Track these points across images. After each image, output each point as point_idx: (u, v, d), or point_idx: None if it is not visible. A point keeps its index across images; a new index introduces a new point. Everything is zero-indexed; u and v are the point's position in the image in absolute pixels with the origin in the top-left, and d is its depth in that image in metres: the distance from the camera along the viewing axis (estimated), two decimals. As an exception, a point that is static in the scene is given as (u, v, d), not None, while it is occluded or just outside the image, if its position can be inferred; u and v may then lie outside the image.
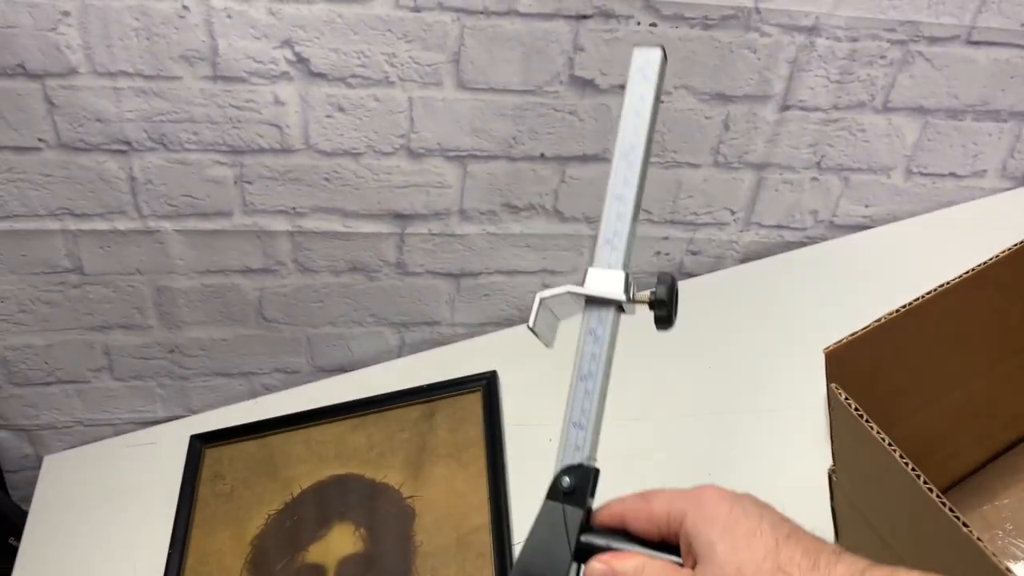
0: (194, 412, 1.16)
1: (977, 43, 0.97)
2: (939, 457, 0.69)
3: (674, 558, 0.47)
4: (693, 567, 0.45)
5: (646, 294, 0.54)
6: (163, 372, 1.13)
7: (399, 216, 1.02)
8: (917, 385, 0.61)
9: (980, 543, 0.45)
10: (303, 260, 1.04)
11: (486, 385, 1.06)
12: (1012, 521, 0.67)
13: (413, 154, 0.97)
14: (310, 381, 1.15)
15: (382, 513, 0.99)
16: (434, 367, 1.10)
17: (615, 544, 0.48)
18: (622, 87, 0.55)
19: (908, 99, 1.00)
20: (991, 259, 0.60)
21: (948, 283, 0.59)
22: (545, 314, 0.56)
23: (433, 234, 1.05)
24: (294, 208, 1.00)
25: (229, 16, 0.86)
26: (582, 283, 0.54)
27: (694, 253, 1.13)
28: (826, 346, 0.57)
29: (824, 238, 1.13)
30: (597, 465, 0.52)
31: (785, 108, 0.99)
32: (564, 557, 0.48)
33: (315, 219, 1.01)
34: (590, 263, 0.54)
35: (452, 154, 0.98)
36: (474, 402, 1.06)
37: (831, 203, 1.10)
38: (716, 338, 1.06)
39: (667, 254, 1.12)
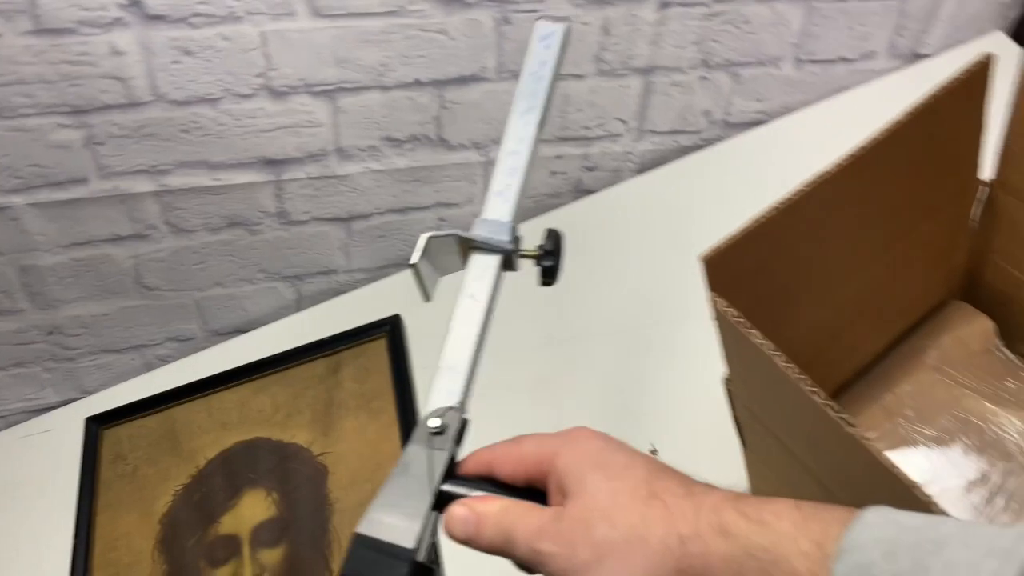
0: (88, 393, 1.10)
1: (853, -82, 0.93)
2: (835, 353, 0.67)
3: (540, 502, 0.45)
4: (563, 503, 0.44)
5: (533, 248, 0.54)
6: (46, 355, 1.06)
7: (271, 162, 0.96)
8: (806, 282, 0.59)
9: (867, 442, 0.43)
10: (175, 221, 0.98)
11: (390, 331, 1.02)
12: (913, 408, 0.66)
13: (275, 93, 0.90)
14: (206, 347, 1.09)
15: (293, 475, 0.95)
16: (336, 318, 1.05)
17: (479, 491, 0.46)
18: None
19: (789, -16, 0.96)
20: (866, 143, 0.57)
21: (825, 173, 0.56)
22: (428, 261, 0.54)
23: (312, 178, 0.98)
24: (155, 166, 0.92)
25: (45, -40, 0.78)
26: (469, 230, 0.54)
27: (590, 169, 1.09)
28: (702, 252, 0.54)
29: (720, 138, 1.10)
30: (468, 416, 0.49)
31: (664, 6, 0.94)
32: (422, 505, 0.45)
33: (180, 175, 0.94)
34: (483, 212, 0.53)
35: (318, 89, 0.91)
36: (379, 350, 1.01)
37: (723, 101, 1.06)
38: (619, 253, 1.03)
39: (563, 173, 1.08)
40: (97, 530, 0.96)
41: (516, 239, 0.54)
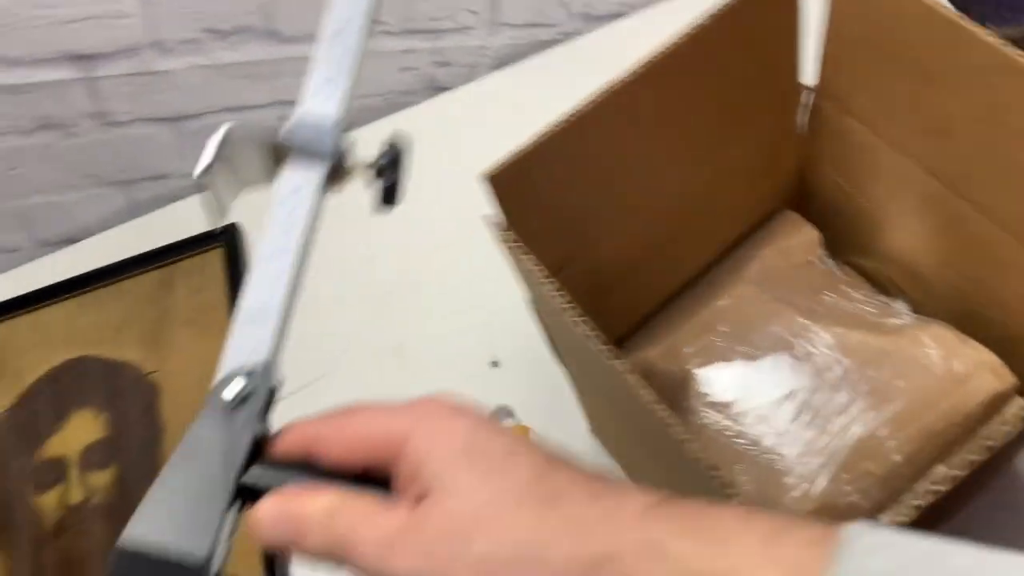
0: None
1: None
2: (658, 265, 0.65)
3: (383, 493, 0.33)
4: (418, 502, 0.32)
5: (368, 158, 0.42)
6: None
7: (80, 57, 0.87)
8: (610, 198, 0.55)
9: (638, 387, 0.41)
10: (-24, 123, 0.88)
11: (227, 240, 0.96)
12: (729, 323, 0.64)
13: (73, -21, 0.81)
14: (34, 258, 1.02)
15: (123, 394, 0.90)
16: (171, 226, 0.99)
17: (296, 479, 0.34)
18: None
19: None
20: (665, 48, 0.52)
21: (620, 80, 0.52)
22: (225, 168, 0.40)
23: (130, 75, 0.90)
24: (-59, 62, 0.83)
25: None
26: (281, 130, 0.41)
27: (443, 64, 1.02)
28: (484, 169, 0.49)
29: (580, 32, 1.04)
30: (278, 380, 0.37)
31: None
32: (216, 502, 0.33)
33: (-27, 72, 0.84)
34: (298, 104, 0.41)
35: (123, -25, 0.82)
36: (215, 260, 0.96)
37: (582, -8, 1.00)
38: (475, 155, 0.98)
39: (414, 68, 1.01)
40: (-87, 457, 0.91)
41: (343, 148, 0.42)
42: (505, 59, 1.04)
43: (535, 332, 0.85)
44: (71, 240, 1.03)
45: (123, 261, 0.97)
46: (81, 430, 0.89)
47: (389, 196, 0.43)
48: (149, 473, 0.84)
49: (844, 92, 0.59)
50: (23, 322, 0.96)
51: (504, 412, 0.80)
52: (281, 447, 0.35)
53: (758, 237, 0.69)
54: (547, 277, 0.45)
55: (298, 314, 0.40)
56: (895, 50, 0.51)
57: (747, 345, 0.63)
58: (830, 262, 0.68)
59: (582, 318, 0.43)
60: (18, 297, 0.97)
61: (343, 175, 0.42)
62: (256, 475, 0.34)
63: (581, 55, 1.03)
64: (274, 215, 0.40)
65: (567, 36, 1.04)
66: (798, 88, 0.62)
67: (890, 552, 0.27)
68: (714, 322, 0.65)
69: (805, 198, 0.70)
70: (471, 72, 1.04)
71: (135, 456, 0.86)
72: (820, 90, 0.61)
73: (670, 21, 1.06)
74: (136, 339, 0.93)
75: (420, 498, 0.32)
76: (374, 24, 0.52)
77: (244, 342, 0.37)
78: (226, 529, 0.33)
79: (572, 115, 0.50)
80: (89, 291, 0.96)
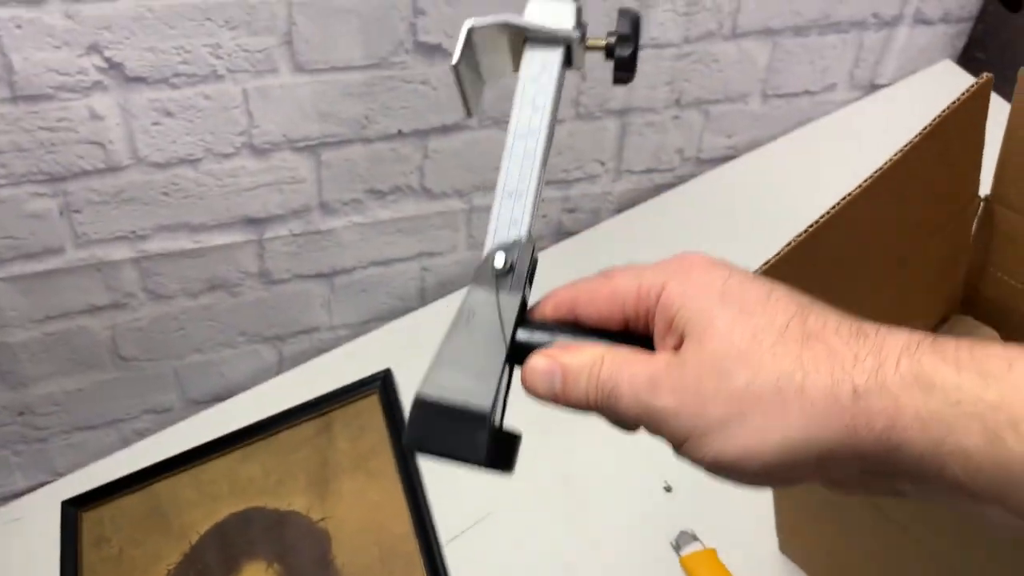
0: (60, 475, 1.04)
1: (811, -42, 0.97)
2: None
3: (644, 347, 0.35)
4: (677, 348, 0.34)
5: (602, 38, 0.44)
6: (15, 438, 1.01)
7: (253, 221, 0.94)
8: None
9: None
10: (154, 287, 0.94)
11: (381, 386, 1.00)
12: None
13: (257, 151, 0.89)
14: (185, 417, 1.05)
15: (293, 543, 0.91)
16: (321, 377, 1.02)
17: (562, 337, 0.37)
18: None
19: (755, 22, 0.99)
20: (880, 168, 0.58)
21: (842, 200, 0.57)
22: (471, 63, 0.44)
23: (295, 235, 0.96)
24: (134, 232, 0.89)
25: (18, 26, 0.75)
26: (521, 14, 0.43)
27: (571, 211, 1.09)
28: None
29: (693, 175, 1.12)
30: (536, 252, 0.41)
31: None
32: (495, 359, 0.37)
33: (160, 240, 0.91)
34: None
35: (301, 144, 0.90)
36: (372, 406, 0.99)
37: (695, 139, 1.08)
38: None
39: (544, 215, 1.08)
40: (84, 621, 0.91)
41: (583, 25, 0.44)
42: (625, 203, 1.11)
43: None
44: (219, 398, 1.06)
45: (279, 413, 1.00)
46: (254, 582, 0.89)
47: (625, 69, 0.45)
48: (328, 621, 0.84)
49: (1016, 197, 0.65)
50: (184, 479, 0.98)
51: (687, 536, 0.81)
52: (545, 310, 0.38)
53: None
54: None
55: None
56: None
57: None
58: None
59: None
60: (178, 455, 0.99)
61: (580, 55, 0.44)
62: (526, 335, 0.38)
63: (693, 196, 1.11)
64: (524, 94, 0.43)
65: (681, 180, 1.11)
66: (977, 200, 0.67)
67: None
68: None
69: (973, 302, 0.74)
70: (594, 217, 1.11)
71: (312, 605, 0.86)
72: (993, 197, 0.67)
73: (773, 161, 1.16)
74: (300, 488, 0.94)
75: (677, 346, 0.34)
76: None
77: (505, 217, 0.41)
78: (504, 383, 0.37)
79: (802, 233, 0.55)
80: (247, 444, 0.99)
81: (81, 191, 0.84)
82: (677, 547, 0.81)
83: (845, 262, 0.61)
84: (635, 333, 0.36)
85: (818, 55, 1.05)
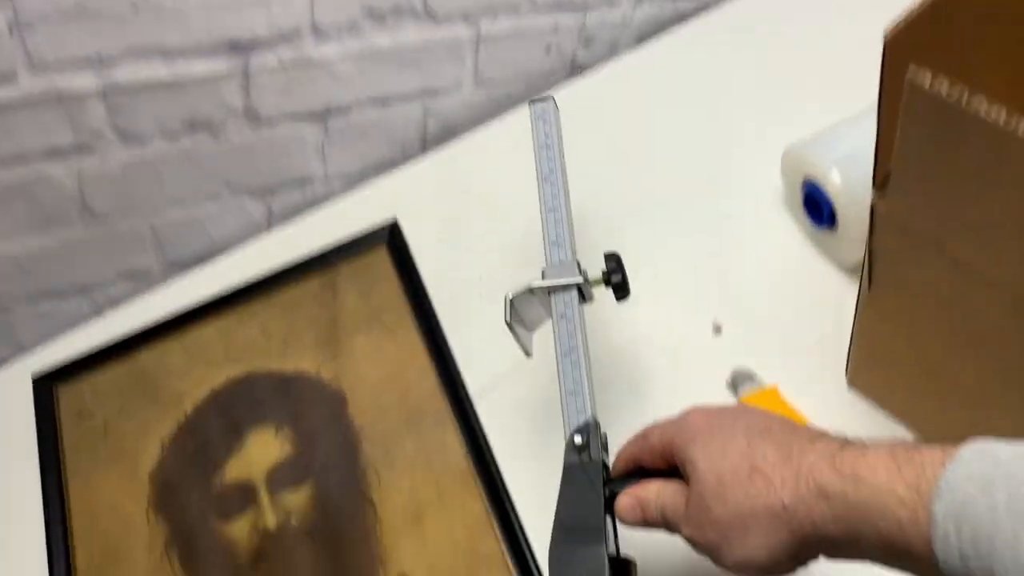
0: (27, 349, 0.92)
1: None
2: None
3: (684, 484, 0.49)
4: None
5: (599, 274, 0.63)
6: (-28, 309, 0.89)
7: (236, 46, 0.81)
8: (998, 62, 0.51)
9: None
10: (125, 125, 0.82)
11: (389, 236, 0.90)
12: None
13: (242, -44, 0.76)
14: (164, 281, 0.94)
15: (304, 406, 0.82)
16: (318, 232, 0.92)
17: (633, 482, 0.52)
18: None
19: None
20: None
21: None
22: (517, 319, 0.63)
23: (284, 65, 0.84)
24: (99, 55, 0.76)
25: None
26: (542, 277, 0.62)
27: (587, 43, 0.98)
28: (885, 28, 0.45)
29: (718, 2, 1.01)
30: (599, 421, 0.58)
31: None
32: (598, 507, 0.52)
33: (129, 66, 0.78)
34: (545, 261, 0.63)
35: (291, -51, 0.77)
36: (380, 259, 0.89)
37: (723, -43, 0.98)
38: (637, 136, 0.94)
39: (558, 47, 0.97)
40: (72, 500, 0.81)
41: (584, 272, 0.62)
42: (645, 32, 1.00)
43: (752, 291, 0.80)
44: (202, 259, 0.95)
45: (277, 271, 0.90)
46: (262, 449, 0.80)
47: (621, 292, 0.63)
48: (351, 486, 0.76)
49: None
50: (172, 345, 0.88)
51: (743, 376, 0.75)
52: (619, 468, 0.55)
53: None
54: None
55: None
56: None
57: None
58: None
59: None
60: (163, 321, 0.89)
61: (588, 291, 0.63)
62: (613, 486, 0.54)
63: (721, 24, 1.01)
64: (559, 329, 0.61)
65: (705, 5, 1.01)
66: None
67: (988, 457, 0.36)
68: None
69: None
70: (611, 49, 1.01)
71: (332, 470, 0.78)
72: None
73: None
74: (308, 348, 0.85)
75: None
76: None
77: (572, 408, 0.58)
78: (610, 524, 0.53)
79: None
80: (244, 304, 0.89)
81: (33, 1, 0.71)
82: (734, 387, 0.74)
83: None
84: (678, 471, 0.50)
85: None
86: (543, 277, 0.62)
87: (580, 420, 0.56)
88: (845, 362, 0.72)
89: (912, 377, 0.64)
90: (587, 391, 0.58)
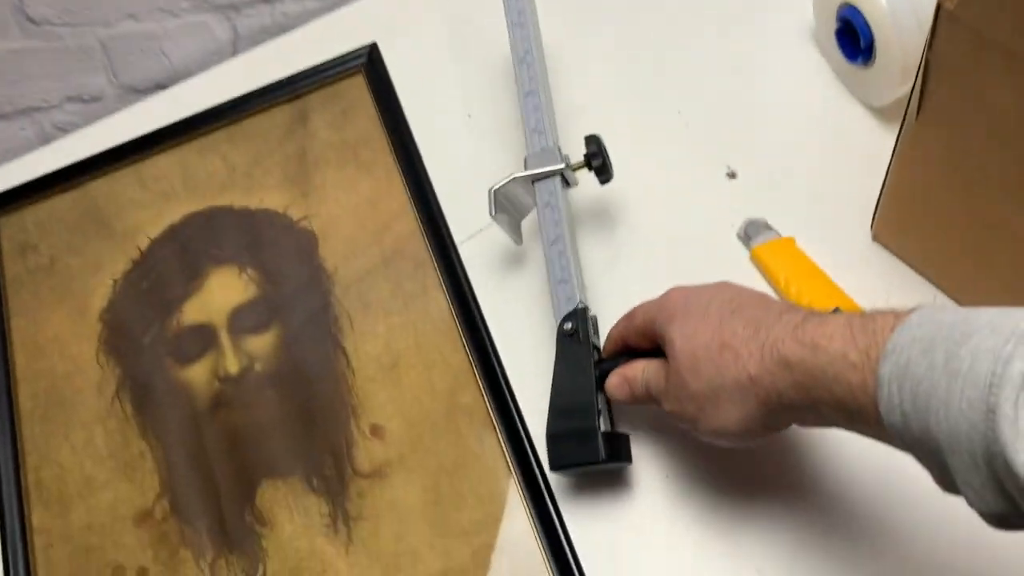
0: (-35, 177, 0.84)
1: None
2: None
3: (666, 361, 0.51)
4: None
5: (580, 159, 0.62)
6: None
7: None
8: None
9: None
10: (65, -88, 0.71)
11: (367, 62, 0.80)
12: None
13: None
14: (119, 109, 0.84)
15: (270, 246, 0.74)
16: (288, 58, 0.82)
17: (622, 362, 0.55)
18: None
19: None
20: None
21: None
22: (503, 210, 0.62)
23: None
24: None
25: None
26: (524, 166, 0.62)
27: None
28: None
29: None
30: (587, 305, 0.59)
31: None
32: (589, 387, 0.55)
33: None
34: (527, 149, 0.62)
35: None
36: (356, 87, 0.80)
37: None
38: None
39: None
40: (15, 338, 0.75)
41: (565, 157, 0.62)
42: None
43: (772, 134, 0.71)
44: (161, 85, 0.86)
45: (241, 96, 0.80)
46: (224, 291, 0.73)
47: (604, 174, 0.62)
48: (322, 331, 0.69)
49: None
50: (125, 176, 0.80)
51: (758, 225, 0.67)
52: (609, 349, 0.57)
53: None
54: None
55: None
56: None
57: None
58: None
59: None
60: (117, 147, 0.80)
61: (571, 177, 0.63)
62: (604, 366, 0.56)
63: None
64: (544, 217, 0.61)
65: None
66: None
67: (932, 322, 0.36)
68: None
69: None
70: None
71: (300, 315, 0.71)
72: None
73: None
74: (275, 183, 0.77)
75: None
76: None
77: (561, 297, 0.59)
78: (600, 401, 0.56)
79: None
80: (204, 134, 0.80)
81: None
82: (747, 238, 0.67)
83: None
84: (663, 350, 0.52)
85: None
86: (525, 167, 0.62)
87: (569, 308, 0.58)
88: (872, 213, 0.64)
89: (952, 232, 0.57)
90: (575, 279, 0.58)
